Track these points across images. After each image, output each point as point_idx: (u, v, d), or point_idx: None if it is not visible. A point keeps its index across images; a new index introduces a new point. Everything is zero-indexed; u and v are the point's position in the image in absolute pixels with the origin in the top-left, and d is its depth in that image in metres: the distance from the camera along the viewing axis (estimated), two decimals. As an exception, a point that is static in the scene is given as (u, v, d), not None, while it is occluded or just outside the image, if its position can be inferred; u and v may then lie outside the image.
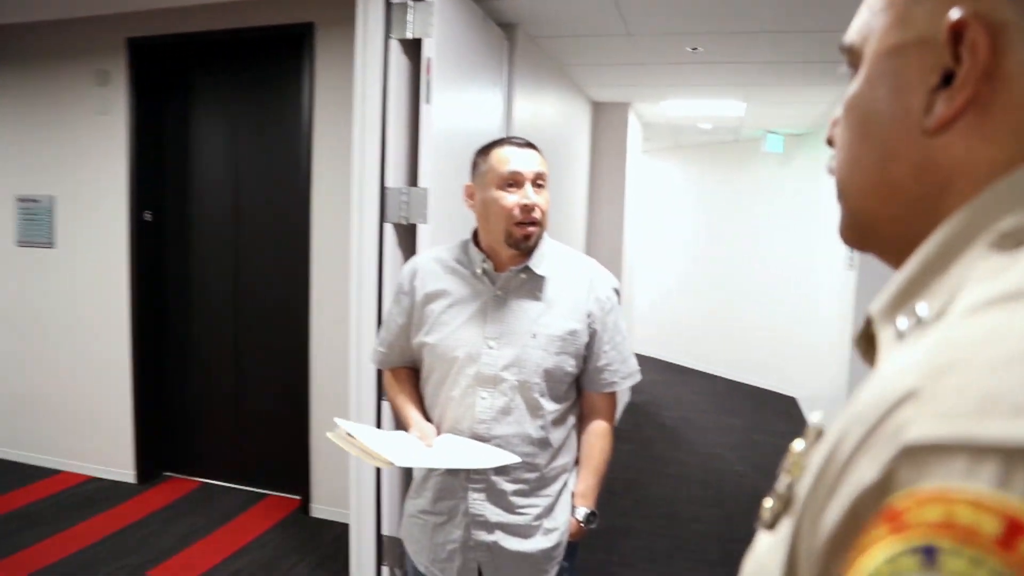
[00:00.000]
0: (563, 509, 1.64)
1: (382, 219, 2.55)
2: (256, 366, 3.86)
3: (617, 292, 1.67)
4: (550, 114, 4.24)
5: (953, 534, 0.27)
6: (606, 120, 5.67)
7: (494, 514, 1.57)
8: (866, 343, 0.49)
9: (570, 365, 1.60)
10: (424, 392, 1.68)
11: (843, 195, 0.53)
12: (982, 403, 0.29)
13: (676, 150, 8.05)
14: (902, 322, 0.43)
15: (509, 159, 1.55)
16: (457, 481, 1.59)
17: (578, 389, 1.68)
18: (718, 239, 7.54)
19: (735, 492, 4.30)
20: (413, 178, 2.59)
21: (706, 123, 6.37)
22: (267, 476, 3.82)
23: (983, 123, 0.42)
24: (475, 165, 1.63)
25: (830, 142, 0.56)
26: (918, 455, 0.30)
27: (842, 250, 4.84)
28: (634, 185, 6.28)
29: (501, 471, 1.56)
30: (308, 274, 3.52)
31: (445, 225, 2.62)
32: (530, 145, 1.59)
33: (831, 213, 5.46)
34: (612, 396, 1.70)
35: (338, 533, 3.37)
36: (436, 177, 2.53)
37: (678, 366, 7.70)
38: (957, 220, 0.42)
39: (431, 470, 1.63)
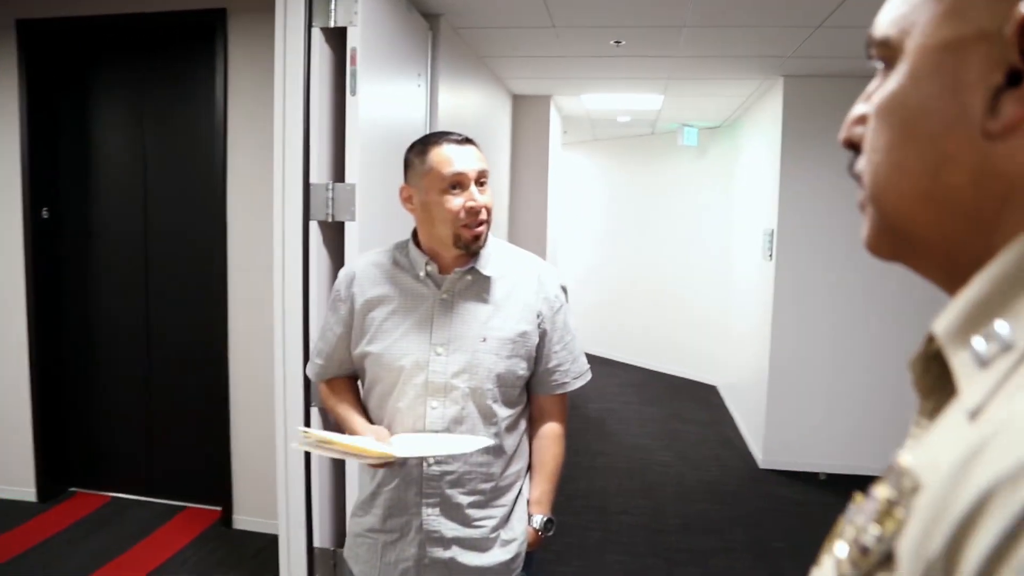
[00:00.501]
0: (519, 518, 1.59)
1: (306, 217, 2.44)
2: (169, 371, 3.64)
3: (564, 290, 1.63)
4: (473, 106, 4.18)
5: None
6: (527, 113, 5.65)
7: (450, 529, 1.50)
8: (924, 365, 0.45)
9: (522, 368, 1.54)
10: (368, 403, 1.59)
11: (878, 201, 0.48)
12: None
13: (594, 143, 8.12)
14: (980, 343, 0.38)
15: (450, 159, 1.46)
16: (409, 496, 1.51)
17: (528, 392, 1.63)
18: (636, 231, 7.65)
19: (661, 482, 4.37)
20: (338, 174, 2.49)
21: (624, 116, 6.44)
22: (184, 487, 3.62)
23: None
24: (410, 164, 1.52)
25: (850, 144, 0.52)
26: None
27: (759, 241, 4.99)
28: (555, 178, 6.29)
29: (456, 483, 1.50)
30: (225, 273, 3.34)
31: (374, 223, 2.53)
32: (468, 141, 1.51)
33: (746, 204, 5.64)
34: (564, 398, 1.66)
35: (263, 545, 3.23)
36: (363, 172, 2.43)
37: (600, 357, 7.79)
38: None
39: (379, 486, 1.55)
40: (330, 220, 2.44)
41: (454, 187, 1.46)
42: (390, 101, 2.76)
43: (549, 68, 4.45)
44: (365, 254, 1.66)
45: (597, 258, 8.03)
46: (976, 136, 0.41)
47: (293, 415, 2.45)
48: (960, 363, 0.40)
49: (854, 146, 0.52)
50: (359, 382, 1.67)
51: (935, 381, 0.45)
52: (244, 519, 3.42)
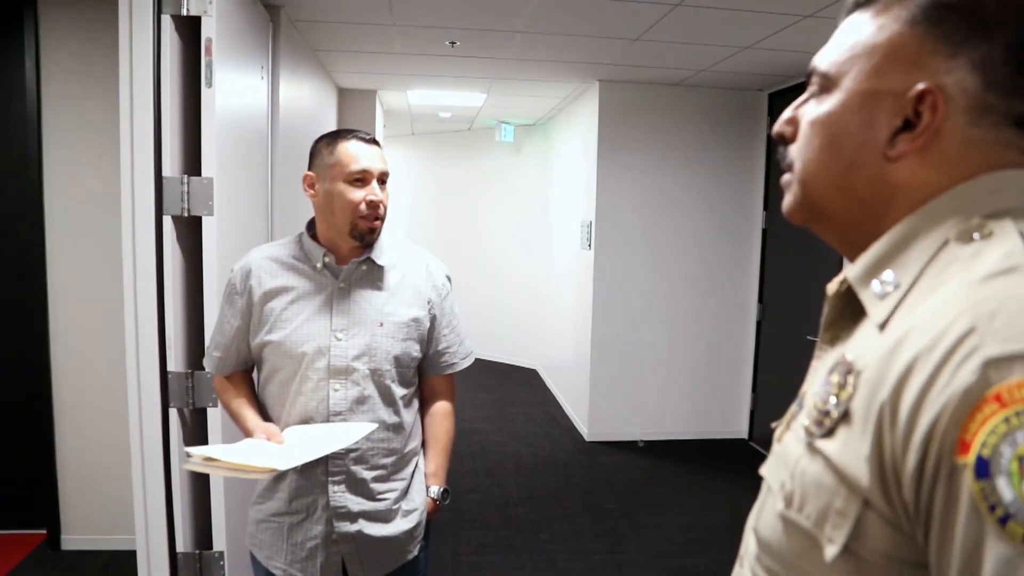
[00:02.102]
0: (418, 490, 1.70)
1: (159, 211, 2.34)
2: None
3: (449, 279, 1.77)
4: (307, 99, 4.13)
5: None
6: (353, 106, 5.64)
7: (356, 503, 1.58)
8: (835, 301, 0.69)
9: (415, 350, 1.66)
10: (266, 392, 1.63)
11: (804, 185, 0.71)
12: None
13: (411, 137, 8.21)
14: (876, 285, 0.63)
15: (358, 156, 1.56)
16: (315, 476, 1.57)
17: (419, 373, 1.74)
18: (458, 224, 7.87)
19: (501, 461, 4.61)
20: (190, 167, 2.42)
21: (446, 112, 6.60)
22: (-4, 511, 3.27)
23: (924, 159, 0.63)
24: (317, 154, 1.61)
25: (781, 137, 0.74)
26: (1000, 363, 0.48)
27: (578, 231, 5.38)
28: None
29: (360, 459, 1.58)
30: (44, 274, 3.07)
31: (232, 217, 2.49)
32: (375, 142, 1.62)
33: (564, 198, 6.04)
34: (452, 377, 1.79)
35: (101, 564, 3.04)
36: (220, 166, 2.38)
37: (426, 348, 7.92)
38: (912, 219, 0.63)
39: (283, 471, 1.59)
40: (185, 215, 2.36)
41: (358, 180, 1.56)
42: (240, 93, 2.70)
43: (380, 63, 4.51)
44: (258, 248, 1.69)
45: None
46: (878, 156, 0.65)
47: (150, 417, 2.35)
48: (867, 296, 0.64)
49: (783, 138, 0.74)
50: (255, 374, 1.70)
51: (836, 317, 0.70)
52: (75, 539, 3.17)
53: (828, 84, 0.69)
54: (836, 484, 0.58)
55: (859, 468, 0.56)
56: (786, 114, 0.73)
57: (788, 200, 0.73)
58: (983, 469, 0.47)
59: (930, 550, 0.51)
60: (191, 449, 1.39)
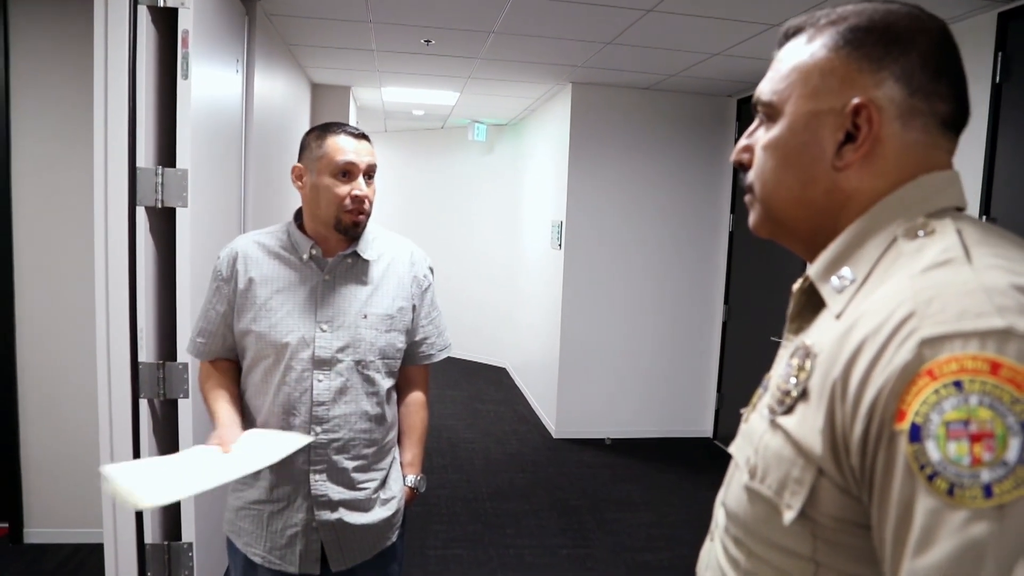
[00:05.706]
0: (395, 478, 1.73)
1: (132, 202, 2.34)
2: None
3: (431, 270, 1.80)
4: (281, 93, 4.13)
5: (967, 373, 0.52)
6: (326, 102, 5.64)
7: (336, 492, 1.61)
8: (799, 296, 0.76)
9: (400, 341, 1.69)
10: (249, 380, 1.64)
11: (765, 202, 0.78)
12: (960, 314, 0.55)
13: (385, 134, 8.20)
14: (835, 281, 0.70)
15: (346, 149, 1.58)
16: (297, 465, 1.59)
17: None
18: (428, 222, 7.88)
19: (469, 457, 4.65)
20: (164, 158, 2.42)
21: (419, 110, 6.62)
22: (-44, 505, 3.22)
23: (869, 166, 0.71)
24: (306, 147, 1.62)
25: (741, 164, 0.80)
26: (933, 342, 0.55)
27: (548, 231, 5.44)
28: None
29: (342, 449, 1.60)
30: (11, 264, 3.03)
31: (205, 209, 2.49)
32: (364, 136, 1.64)
33: (534, 198, 6.09)
34: (427, 368, 1.82)
35: (64, 557, 3.01)
36: (195, 157, 2.39)
37: (395, 346, 7.91)
38: (864, 220, 0.70)
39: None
40: (159, 206, 2.37)
41: (344, 174, 1.58)
42: (215, 86, 2.71)
43: (355, 60, 4.51)
44: (246, 234, 1.70)
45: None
46: (828, 168, 0.72)
47: (119, 407, 2.35)
48: (826, 291, 0.71)
49: (742, 165, 0.80)
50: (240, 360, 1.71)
51: (800, 310, 0.76)
52: (39, 531, 3.14)
53: (773, 112, 0.76)
54: (794, 455, 0.65)
55: (814, 439, 0.63)
56: (741, 143, 0.80)
57: (753, 217, 0.80)
58: (916, 434, 0.54)
59: (872, 508, 0.58)
60: (105, 469, 1.32)
